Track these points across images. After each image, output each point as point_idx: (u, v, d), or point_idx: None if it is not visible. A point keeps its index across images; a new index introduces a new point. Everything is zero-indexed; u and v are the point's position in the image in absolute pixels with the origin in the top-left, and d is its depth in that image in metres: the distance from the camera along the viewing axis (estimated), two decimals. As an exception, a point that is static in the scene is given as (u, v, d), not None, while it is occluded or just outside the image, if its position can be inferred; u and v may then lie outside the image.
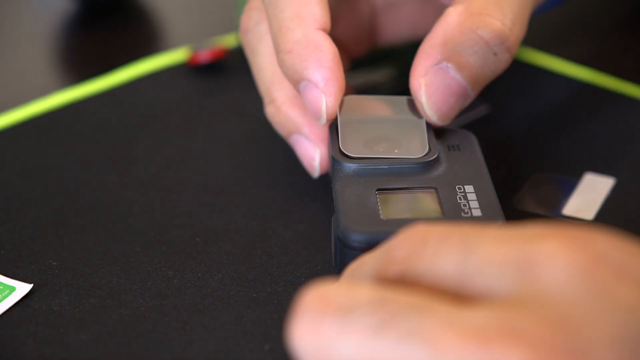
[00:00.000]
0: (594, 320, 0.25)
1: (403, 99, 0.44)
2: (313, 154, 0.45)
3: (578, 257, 0.26)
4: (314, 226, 0.44)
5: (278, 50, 0.43)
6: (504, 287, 0.26)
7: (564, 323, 0.25)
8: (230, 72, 0.56)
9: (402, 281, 0.28)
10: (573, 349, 0.25)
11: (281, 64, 0.43)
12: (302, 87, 0.42)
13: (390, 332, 0.25)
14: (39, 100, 0.54)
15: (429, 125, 0.43)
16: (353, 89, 0.50)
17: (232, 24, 0.60)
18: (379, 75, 0.54)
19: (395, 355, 0.25)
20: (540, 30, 0.58)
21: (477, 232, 0.28)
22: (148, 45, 0.63)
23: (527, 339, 0.25)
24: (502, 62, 0.42)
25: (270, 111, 0.46)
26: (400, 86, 0.50)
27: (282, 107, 0.45)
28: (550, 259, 0.26)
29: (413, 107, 0.44)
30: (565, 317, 0.25)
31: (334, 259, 0.40)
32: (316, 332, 0.26)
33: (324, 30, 0.42)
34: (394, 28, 0.50)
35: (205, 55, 0.56)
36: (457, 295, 0.27)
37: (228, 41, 0.58)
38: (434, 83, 0.42)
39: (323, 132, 0.44)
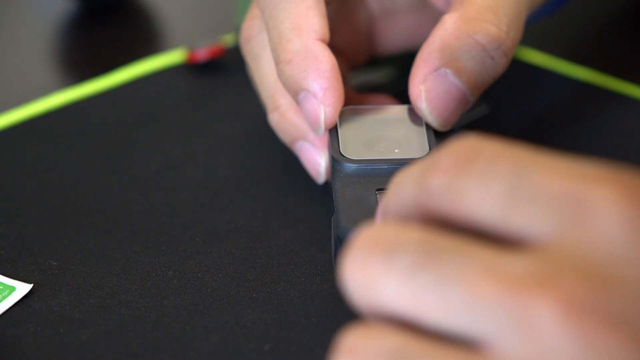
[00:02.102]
0: (636, 284, 0.24)
1: (403, 107, 0.44)
2: (319, 160, 0.45)
3: (632, 209, 0.25)
4: (314, 226, 0.44)
5: (277, 61, 0.43)
6: (549, 224, 0.25)
7: (605, 282, 0.24)
8: (229, 70, 0.56)
9: (445, 194, 0.27)
10: (610, 312, 0.24)
11: (280, 74, 0.43)
12: (300, 98, 0.42)
13: (429, 275, 0.25)
14: (39, 100, 0.54)
15: (429, 126, 0.43)
16: (353, 88, 0.50)
17: (232, 25, 0.60)
18: (379, 75, 0.54)
19: (431, 297, 0.25)
20: (540, 30, 0.58)
21: (532, 158, 0.26)
22: (148, 46, 0.63)
23: (560, 293, 0.24)
24: (499, 66, 0.42)
25: (274, 118, 0.46)
26: (401, 86, 0.50)
27: (286, 113, 0.45)
28: (604, 205, 0.25)
29: (413, 113, 0.44)
30: (607, 274, 0.24)
31: (333, 259, 0.40)
32: (364, 269, 0.26)
33: (322, 40, 0.43)
34: (391, 37, 0.50)
35: (203, 53, 0.56)
36: (500, 235, 0.26)
37: (225, 40, 0.58)
38: (433, 89, 0.42)
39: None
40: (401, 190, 0.28)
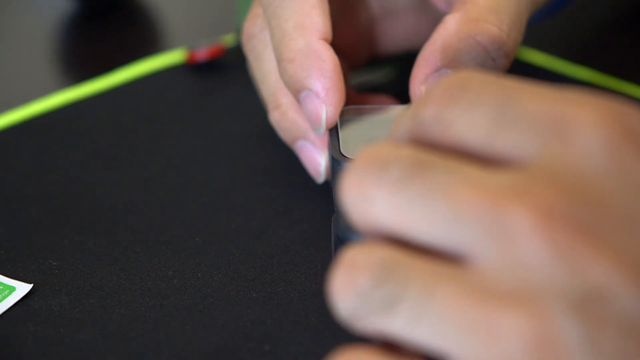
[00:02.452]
0: (611, 198, 0.25)
1: (403, 107, 0.45)
2: (319, 160, 0.45)
3: (611, 129, 0.26)
4: (314, 226, 0.44)
5: (280, 60, 0.43)
6: (533, 144, 0.27)
7: (581, 194, 0.25)
8: (228, 70, 0.56)
9: (436, 124, 0.28)
10: (583, 222, 0.25)
11: (283, 72, 0.43)
12: (302, 97, 0.42)
13: (415, 187, 0.26)
14: (39, 100, 0.54)
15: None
16: (354, 88, 0.50)
17: (232, 25, 0.60)
18: (379, 75, 0.54)
19: (417, 209, 0.26)
20: (540, 30, 0.58)
21: (518, 86, 0.28)
22: (148, 46, 0.63)
23: (535, 203, 0.25)
24: (500, 67, 0.43)
25: (275, 117, 0.46)
26: (400, 86, 0.50)
27: (288, 112, 0.45)
28: (586, 125, 0.26)
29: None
30: (584, 188, 0.25)
31: (333, 259, 0.40)
32: (359, 184, 0.27)
33: (325, 40, 0.43)
34: (392, 37, 0.50)
35: (203, 53, 0.56)
36: (486, 158, 0.27)
37: (225, 40, 0.58)
38: None
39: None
40: (400, 127, 0.29)
